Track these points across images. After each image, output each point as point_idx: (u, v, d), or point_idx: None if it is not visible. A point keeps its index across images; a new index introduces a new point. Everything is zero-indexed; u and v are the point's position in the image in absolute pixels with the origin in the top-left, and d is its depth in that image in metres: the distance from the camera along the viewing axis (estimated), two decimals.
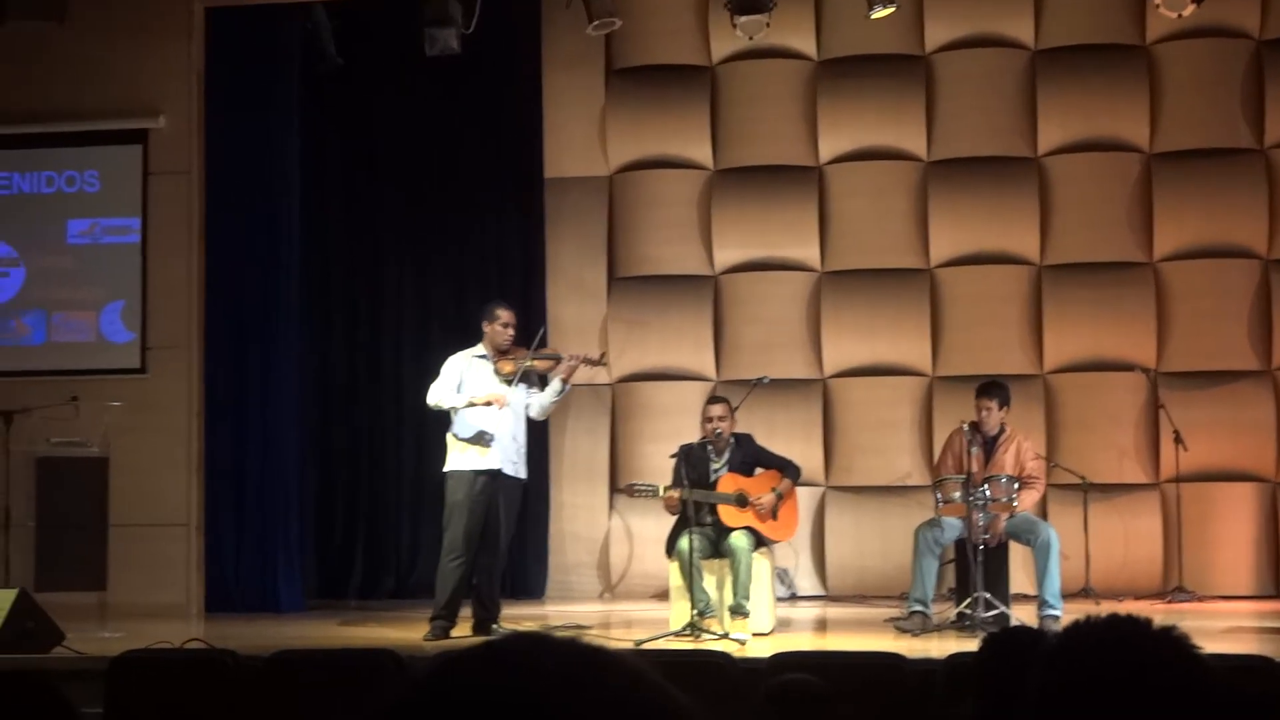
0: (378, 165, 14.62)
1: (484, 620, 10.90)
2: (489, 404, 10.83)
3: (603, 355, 11.60)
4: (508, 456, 10.96)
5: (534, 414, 11.23)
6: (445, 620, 10.78)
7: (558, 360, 11.16)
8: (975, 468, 11.04)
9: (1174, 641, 2.33)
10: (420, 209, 14.52)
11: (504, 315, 11.08)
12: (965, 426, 11.26)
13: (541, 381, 11.23)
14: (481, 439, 10.85)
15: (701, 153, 14.76)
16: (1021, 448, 11.39)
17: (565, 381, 11.08)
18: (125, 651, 8.08)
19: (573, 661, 1.44)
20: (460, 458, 10.91)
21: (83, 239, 13.58)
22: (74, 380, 12.75)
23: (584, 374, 12.58)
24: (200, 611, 13.01)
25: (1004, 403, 11.42)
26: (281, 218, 13.52)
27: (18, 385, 12.88)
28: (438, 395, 10.93)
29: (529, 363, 11.00)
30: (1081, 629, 2.39)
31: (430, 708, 1.40)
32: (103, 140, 13.59)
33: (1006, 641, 4.45)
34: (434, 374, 11.22)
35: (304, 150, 13.76)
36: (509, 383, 10.94)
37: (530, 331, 11.36)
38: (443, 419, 11.15)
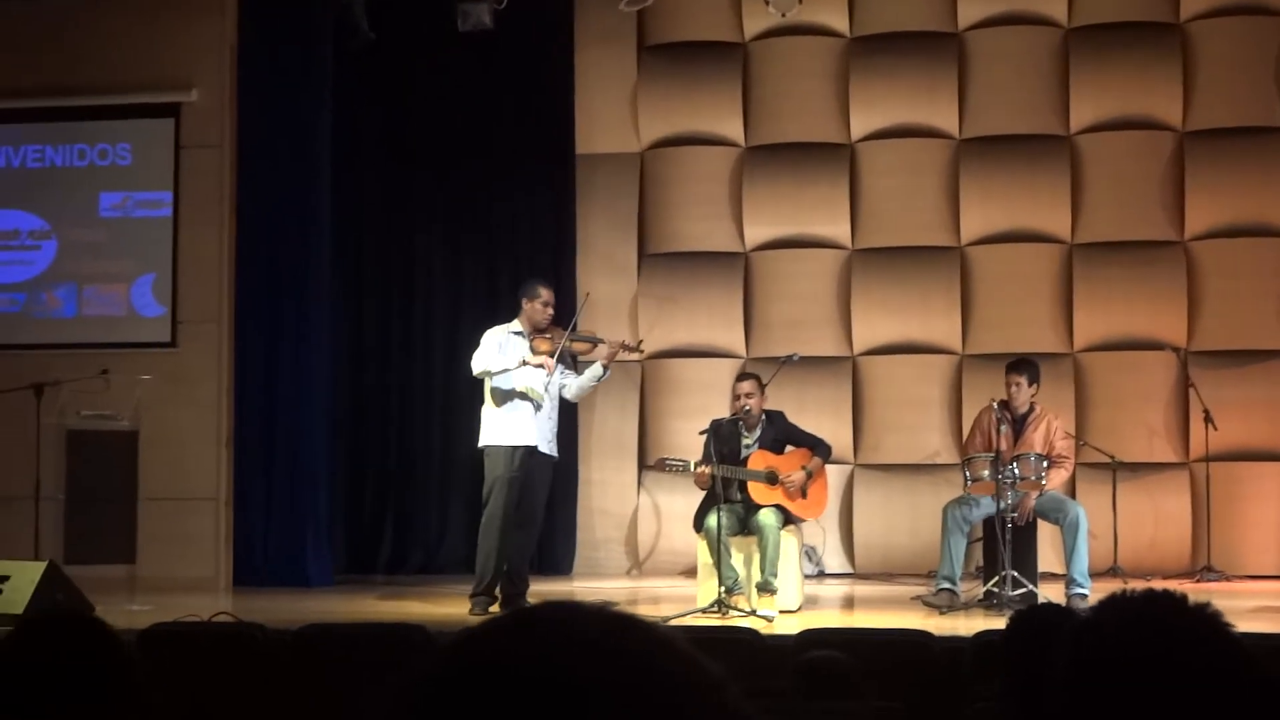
0: (409, 141, 14.56)
1: (512, 596, 10.89)
2: (540, 365, 10.81)
3: (640, 343, 11.55)
4: (543, 434, 10.96)
5: (569, 395, 11.23)
6: (487, 596, 10.82)
7: (595, 343, 11.15)
8: (1004, 446, 11.01)
9: (1209, 619, 2.29)
10: (452, 185, 14.48)
11: (545, 294, 11.06)
12: (994, 404, 11.23)
13: (574, 362, 11.21)
14: (528, 400, 10.82)
15: (733, 129, 14.70)
16: (1051, 426, 11.35)
17: (606, 367, 11.04)
18: (153, 624, 8.08)
19: (603, 629, 1.42)
20: (497, 432, 10.89)
21: (114, 212, 13.59)
22: (104, 353, 12.75)
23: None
24: (228, 585, 13.04)
25: (1034, 380, 11.38)
26: (313, 192, 13.48)
27: (49, 358, 12.91)
28: (484, 362, 10.86)
29: (566, 343, 10.98)
30: (1115, 603, 2.35)
31: (459, 677, 1.39)
32: (135, 114, 13.61)
33: (1034, 619, 4.42)
34: (465, 349, 11.22)
35: (336, 125, 13.72)
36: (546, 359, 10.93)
37: (568, 311, 11.35)
38: (476, 394, 11.14)
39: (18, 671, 3.09)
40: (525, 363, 10.82)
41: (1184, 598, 2.34)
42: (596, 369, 11.02)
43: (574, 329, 11.13)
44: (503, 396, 10.90)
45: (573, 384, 11.16)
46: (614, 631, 1.42)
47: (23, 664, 3.12)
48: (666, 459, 11.28)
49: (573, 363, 11.25)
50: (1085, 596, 10.65)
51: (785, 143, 14.57)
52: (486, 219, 14.53)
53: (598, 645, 1.40)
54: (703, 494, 11.09)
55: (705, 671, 1.42)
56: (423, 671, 1.41)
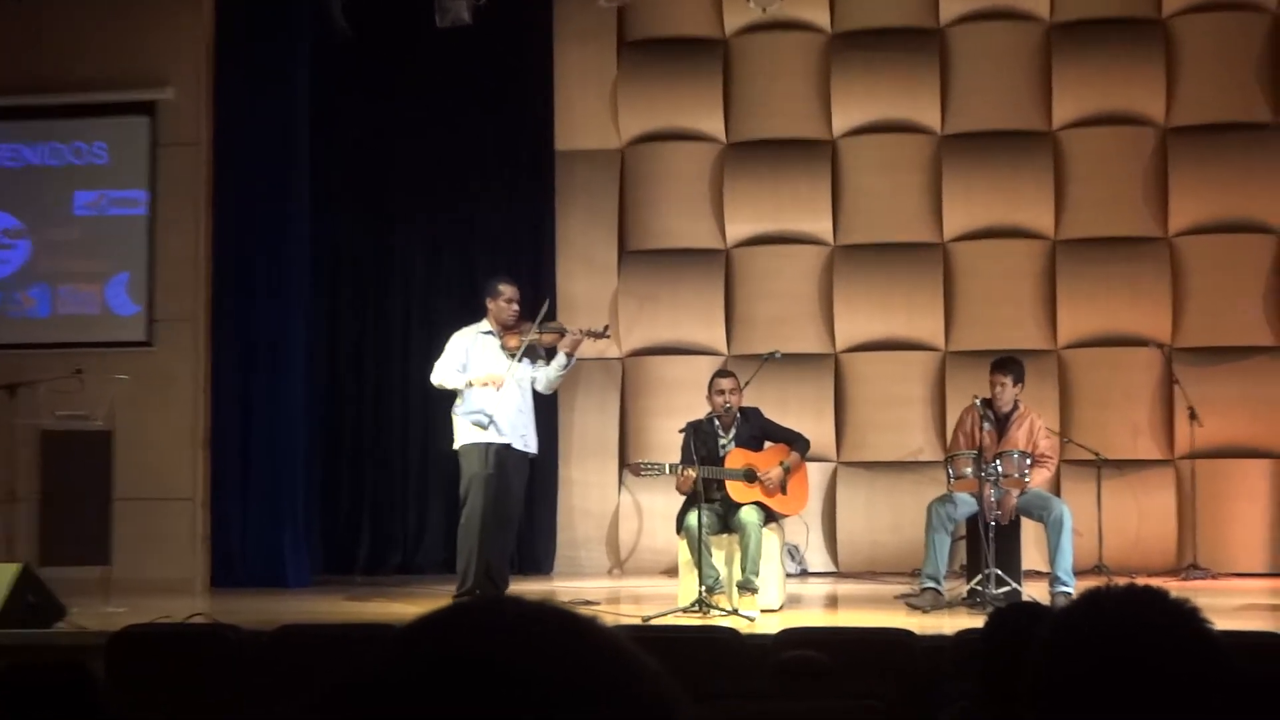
0: (387, 137, 14.50)
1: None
2: (486, 385, 10.83)
3: (606, 328, 11.52)
4: (516, 431, 10.98)
5: (540, 388, 11.26)
6: (471, 596, 10.79)
7: (563, 333, 11.14)
8: (988, 443, 11.00)
9: (1187, 615, 2.27)
10: (430, 182, 14.43)
11: (507, 291, 11.09)
12: (978, 402, 11.22)
13: (549, 355, 11.22)
14: (480, 419, 10.88)
15: (714, 125, 14.68)
16: (1035, 425, 11.35)
17: (570, 355, 11.06)
18: (127, 626, 8.04)
19: (540, 624, 1.42)
20: (468, 433, 10.98)
21: (89, 210, 13.52)
22: (79, 353, 12.66)
23: (594, 348, 12.62)
24: (205, 587, 12.98)
25: (1018, 379, 11.37)
26: (290, 190, 13.42)
27: (22, 358, 12.82)
28: (441, 375, 11.04)
29: (534, 336, 10.97)
30: (1093, 599, 2.33)
31: (396, 672, 1.40)
32: (111, 112, 13.53)
33: (1012, 617, 4.39)
34: (442, 349, 11.21)
35: (314, 122, 13.66)
36: (514, 357, 10.94)
37: (537, 305, 11.33)
38: (448, 395, 11.16)
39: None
40: (471, 384, 10.89)
41: (1163, 594, 2.31)
42: (560, 358, 11.10)
43: (542, 321, 11.10)
44: (471, 398, 10.93)
45: (540, 377, 11.19)
46: (552, 626, 1.42)
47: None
48: (641, 463, 11.25)
49: (547, 355, 11.26)
50: (1069, 594, 10.62)
51: (766, 139, 14.55)
52: (465, 216, 14.48)
53: (533, 639, 1.40)
54: (683, 495, 11.06)
55: (647, 669, 1.42)
56: (363, 666, 1.42)
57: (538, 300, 11.62)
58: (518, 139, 14.54)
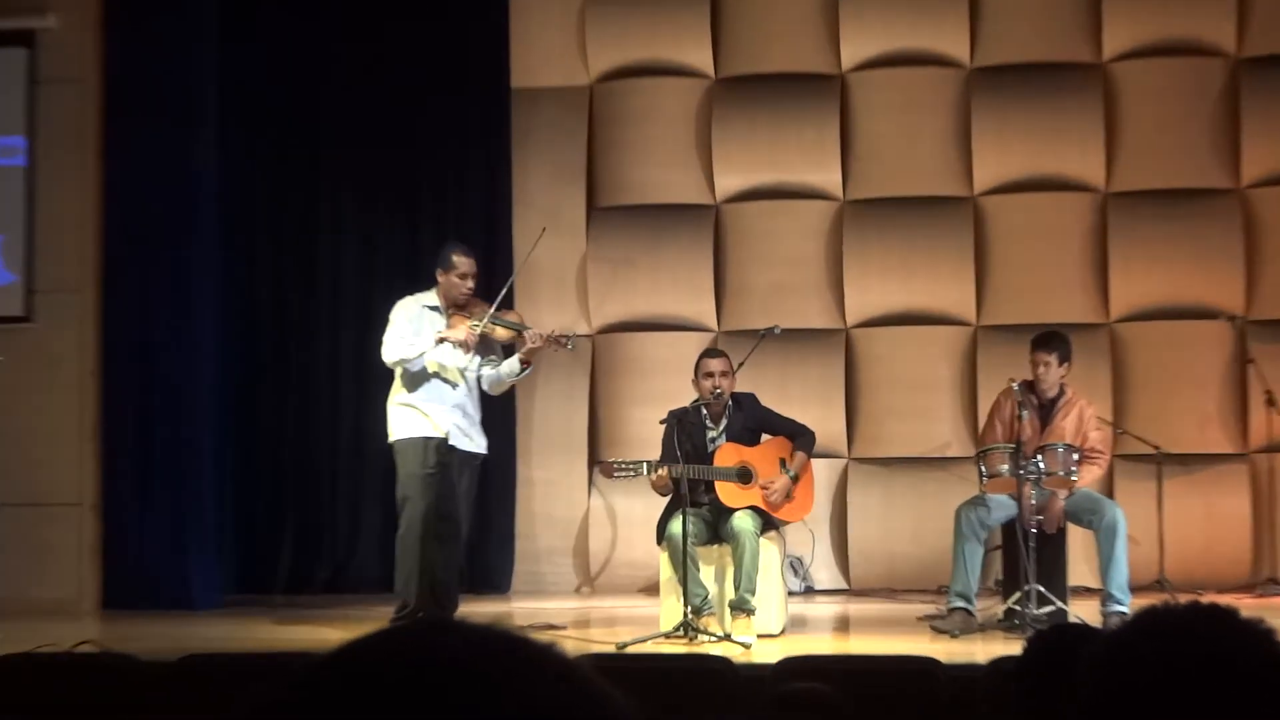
0: (314, 75, 14.47)
1: None
2: (460, 340, 10.74)
3: (571, 338, 11.32)
4: (460, 427, 10.92)
5: (485, 387, 11.17)
6: (413, 618, 10.78)
7: (519, 331, 10.97)
8: (1028, 436, 11.00)
9: (1262, 638, 2.26)
10: (364, 129, 14.40)
11: (462, 264, 10.97)
12: (1016, 386, 11.21)
13: (507, 350, 11.13)
14: (437, 380, 10.79)
15: (701, 58, 14.67)
16: (1084, 413, 11.36)
17: (526, 363, 10.97)
18: (1, 656, 8.02)
19: (487, 651, 1.42)
20: (404, 424, 10.90)
21: None
22: None
23: (557, 323, 12.54)
24: (95, 608, 12.98)
25: (1064, 359, 11.36)
26: (196, 138, 13.36)
27: None
28: (398, 349, 10.83)
29: (486, 326, 10.85)
30: (1150, 618, 2.32)
31: (313, 708, 1.40)
32: None
33: (1055, 641, 4.39)
34: (381, 324, 11.18)
35: (225, 57, 13.61)
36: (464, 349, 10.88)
37: (493, 278, 11.29)
38: (386, 381, 11.10)
39: None
40: (443, 339, 10.78)
41: (1233, 613, 2.30)
42: (514, 364, 10.95)
43: (499, 309, 10.99)
44: (412, 381, 10.90)
45: (487, 375, 11.10)
46: (500, 651, 1.42)
47: None
48: (615, 462, 11.19)
49: (499, 349, 11.18)
50: (1125, 615, 10.63)
51: (763, 73, 14.56)
52: (406, 166, 14.46)
53: (479, 666, 1.39)
54: (664, 498, 11.05)
55: (610, 701, 1.41)
56: (282, 691, 1.42)
57: (494, 272, 11.58)
58: (466, 74, 14.51)
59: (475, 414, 11.11)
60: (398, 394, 10.99)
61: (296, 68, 14.48)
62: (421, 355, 10.81)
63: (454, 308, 10.96)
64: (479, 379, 11.08)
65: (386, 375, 11.11)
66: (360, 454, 13.97)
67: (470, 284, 10.96)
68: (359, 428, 13.88)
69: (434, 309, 10.99)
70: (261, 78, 14.41)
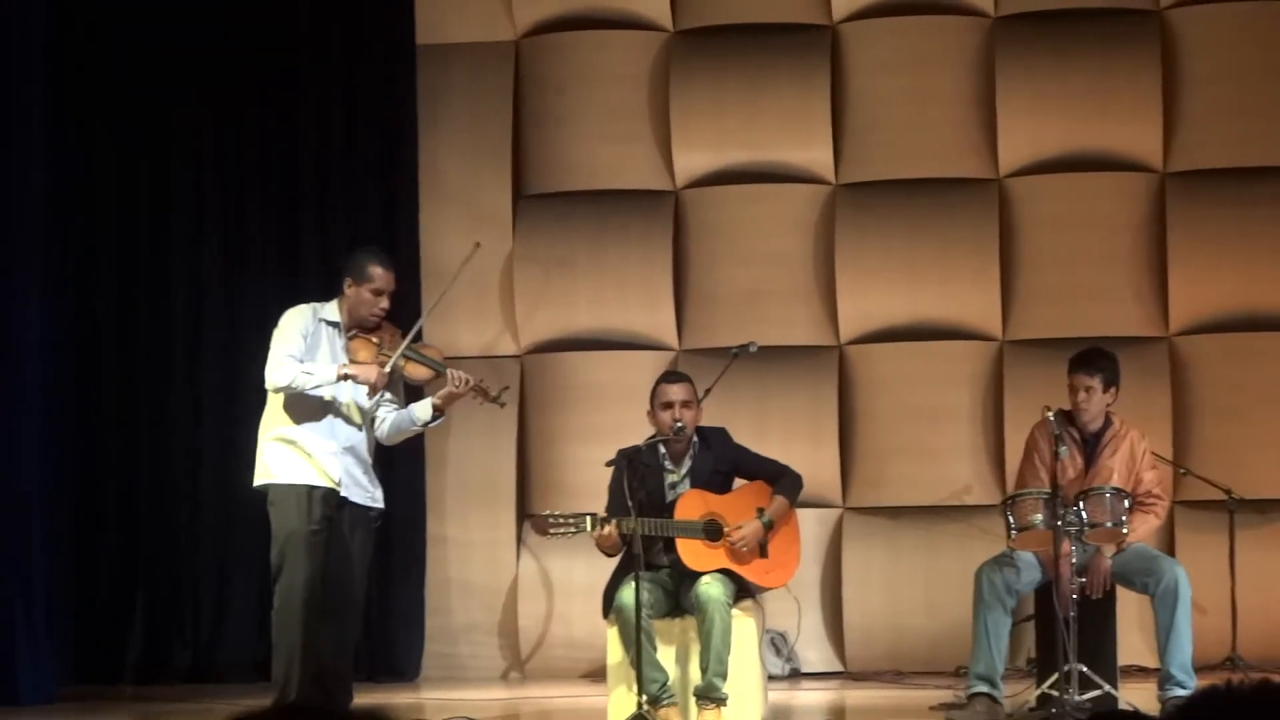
0: (169, 25, 14.45)
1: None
2: (369, 383, 10.59)
3: (502, 393, 11.20)
4: (351, 474, 10.75)
5: (381, 432, 10.97)
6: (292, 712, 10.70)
7: (438, 372, 10.85)
8: (1068, 478, 11.01)
9: None
10: (232, 101, 14.42)
11: (380, 278, 10.74)
12: (1051, 417, 11.21)
13: (410, 391, 11.02)
14: (326, 413, 10.64)
15: (656, 5, 14.70)
16: (1136, 449, 11.40)
17: (440, 411, 10.85)
18: None
19: None
20: (282, 465, 10.65)
21: None
22: None
23: (476, 338, 12.51)
24: None
25: (1111, 383, 11.41)
26: (14, 102, 13.34)
27: None
28: (288, 371, 10.56)
29: (398, 360, 10.70)
30: (1212, 699, 2.34)
31: None
32: None
33: None
34: (252, 346, 11.14)
35: (52, 12, 13.59)
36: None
37: (408, 312, 11.27)
38: (257, 416, 10.93)
39: None
40: (347, 376, 10.60)
41: None
42: (425, 409, 10.78)
43: (414, 341, 10.86)
44: (296, 411, 10.66)
45: (390, 419, 10.94)
46: None
47: None
48: (550, 515, 11.11)
49: (404, 389, 11.01)
50: None
51: (734, 24, 14.60)
52: (286, 142, 14.48)
53: None
54: (613, 559, 11.04)
55: None
56: None
57: (408, 291, 11.51)
58: (360, 27, 14.54)
59: (369, 459, 10.95)
60: (275, 426, 10.71)
61: (152, 24, 14.44)
62: (319, 387, 10.61)
63: (358, 329, 10.78)
64: (373, 421, 10.90)
65: (260, 403, 10.90)
66: (228, 506, 13.89)
67: (385, 304, 10.71)
68: (225, 475, 13.76)
69: (333, 325, 10.80)
70: (108, 37, 14.39)
